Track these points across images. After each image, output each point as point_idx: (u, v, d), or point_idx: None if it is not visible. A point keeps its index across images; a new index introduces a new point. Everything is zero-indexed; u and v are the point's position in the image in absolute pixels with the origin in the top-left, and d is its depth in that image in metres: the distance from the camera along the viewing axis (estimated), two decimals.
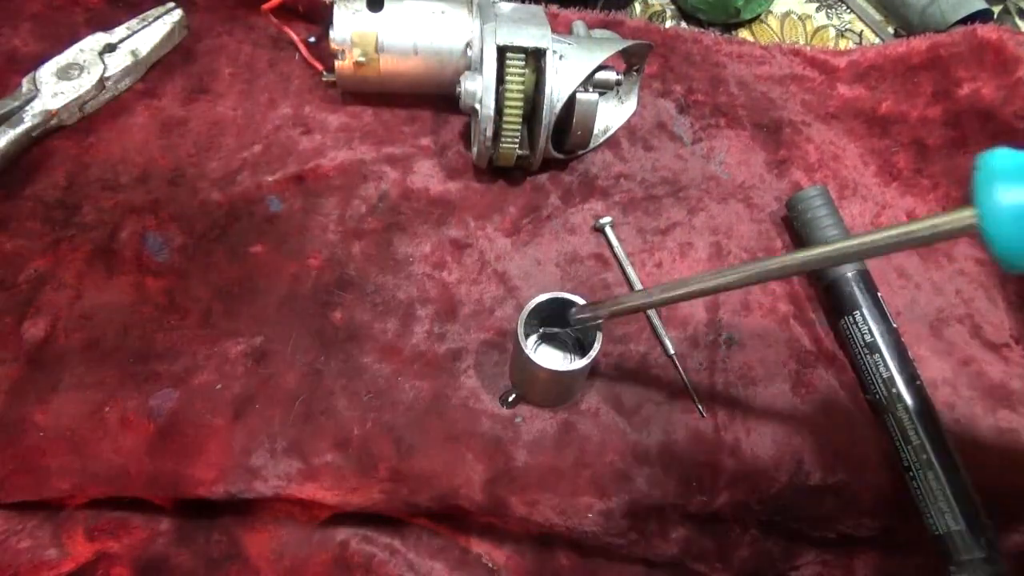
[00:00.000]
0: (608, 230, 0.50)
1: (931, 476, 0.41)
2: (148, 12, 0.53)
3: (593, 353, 0.38)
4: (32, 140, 0.48)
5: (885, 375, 0.43)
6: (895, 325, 0.45)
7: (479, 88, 0.45)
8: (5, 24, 0.52)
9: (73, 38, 0.51)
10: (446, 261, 0.48)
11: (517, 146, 0.47)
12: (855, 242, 0.28)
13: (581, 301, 0.40)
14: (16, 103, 0.47)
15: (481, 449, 0.42)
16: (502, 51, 0.45)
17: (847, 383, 0.46)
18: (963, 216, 0.24)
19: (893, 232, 0.26)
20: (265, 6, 0.53)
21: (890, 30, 0.73)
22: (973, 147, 0.55)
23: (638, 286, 0.48)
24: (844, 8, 0.75)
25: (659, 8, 0.74)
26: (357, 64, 0.49)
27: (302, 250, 0.47)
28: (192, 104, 0.52)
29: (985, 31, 0.55)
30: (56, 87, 0.49)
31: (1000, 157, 0.24)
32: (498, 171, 0.51)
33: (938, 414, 0.42)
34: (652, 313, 0.47)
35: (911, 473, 0.42)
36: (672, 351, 0.46)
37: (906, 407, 0.42)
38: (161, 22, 0.53)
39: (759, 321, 0.48)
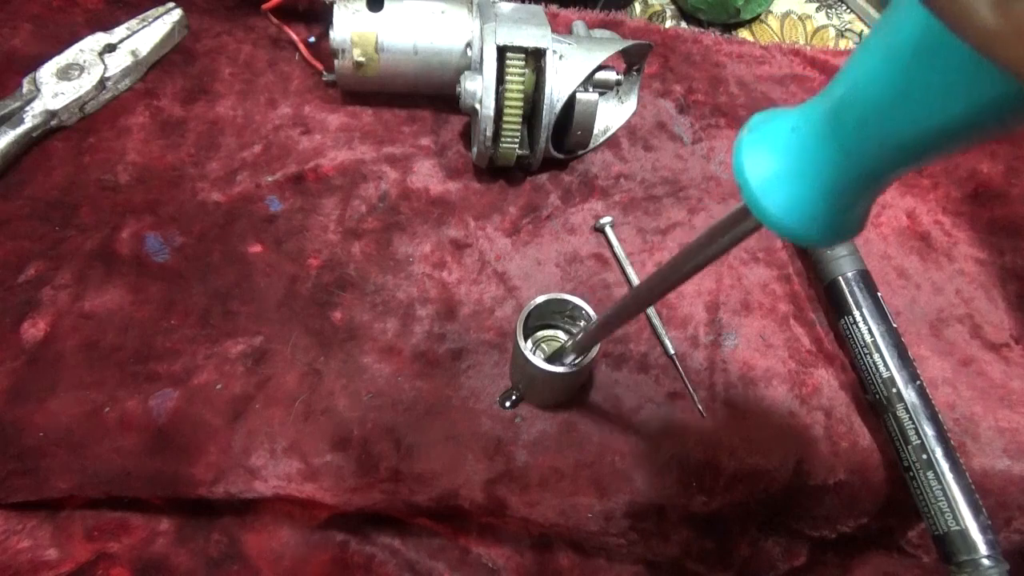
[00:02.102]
0: (608, 230, 0.50)
1: (931, 476, 0.41)
2: (148, 12, 0.53)
3: (593, 353, 0.38)
4: (32, 140, 0.48)
5: (885, 375, 0.43)
6: (895, 325, 0.45)
7: (479, 88, 0.45)
8: (5, 24, 0.52)
9: (73, 38, 0.51)
10: (446, 261, 0.48)
11: (517, 146, 0.47)
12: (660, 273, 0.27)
13: (580, 302, 0.40)
14: (16, 103, 0.48)
15: (481, 449, 0.42)
16: (502, 51, 0.45)
17: (847, 383, 0.46)
18: (738, 208, 0.22)
19: (690, 248, 0.25)
20: (265, 6, 0.53)
21: None
22: (973, 147, 0.55)
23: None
24: (844, 8, 0.75)
25: (659, 8, 0.74)
26: (357, 64, 0.49)
27: (302, 250, 0.47)
28: (192, 104, 0.52)
29: None
30: (56, 87, 0.49)
31: (747, 125, 0.21)
32: (498, 171, 0.51)
33: (938, 414, 0.42)
34: (652, 313, 0.47)
35: (911, 473, 0.42)
36: (672, 351, 0.46)
37: (906, 407, 0.42)
38: (161, 22, 0.53)
39: (759, 321, 0.48)
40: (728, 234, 0.24)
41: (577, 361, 0.39)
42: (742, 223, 0.23)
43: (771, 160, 0.20)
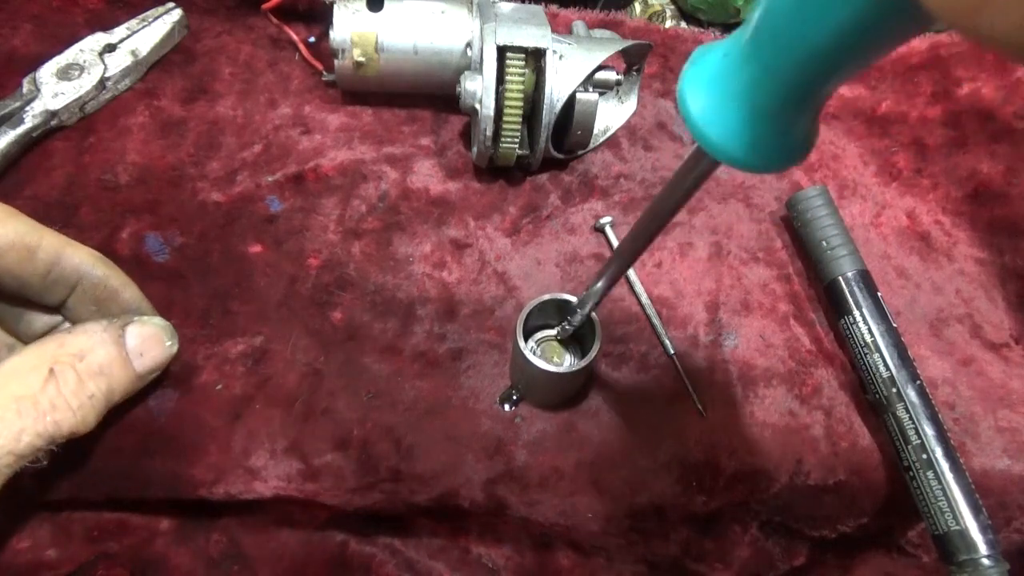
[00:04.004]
0: (608, 230, 0.50)
1: (931, 476, 0.41)
2: (148, 12, 0.53)
3: (592, 354, 0.38)
4: (32, 140, 0.48)
5: (885, 375, 0.43)
6: (895, 325, 0.45)
7: (479, 88, 0.45)
8: (5, 24, 0.52)
9: (73, 38, 0.51)
10: (446, 261, 0.48)
11: (517, 146, 0.47)
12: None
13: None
14: (16, 103, 0.48)
15: (481, 449, 0.42)
16: (502, 51, 0.45)
17: (847, 383, 0.46)
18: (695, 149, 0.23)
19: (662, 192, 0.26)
20: (265, 6, 0.53)
21: None
22: (973, 147, 0.55)
23: (638, 286, 0.48)
24: None
25: (659, 8, 0.74)
26: (357, 64, 0.49)
27: (302, 250, 0.47)
28: (192, 104, 0.52)
29: None
30: (56, 87, 0.49)
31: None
32: (498, 171, 0.51)
33: (938, 414, 0.42)
34: (652, 313, 0.47)
35: (911, 473, 0.42)
36: (672, 351, 0.46)
37: (906, 407, 0.42)
38: (161, 22, 0.53)
39: (759, 321, 0.48)
40: (690, 176, 0.24)
41: (576, 362, 0.39)
42: (700, 163, 0.24)
43: (709, 89, 0.21)
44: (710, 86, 0.21)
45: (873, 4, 0.15)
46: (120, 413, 0.40)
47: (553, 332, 0.44)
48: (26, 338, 0.39)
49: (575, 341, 0.45)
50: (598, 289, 0.35)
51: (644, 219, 0.29)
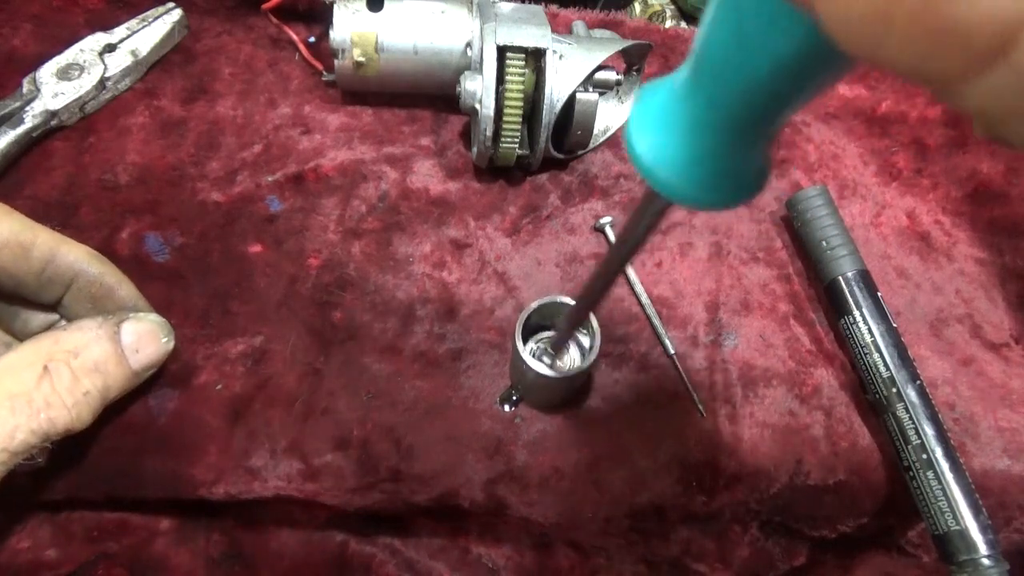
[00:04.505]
0: (608, 230, 0.50)
1: (931, 476, 0.41)
2: (148, 12, 0.53)
3: (592, 356, 0.38)
4: (32, 140, 0.48)
5: (885, 375, 0.43)
6: (895, 325, 0.45)
7: (479, 88, 0.45)
8: (5, 24, 0.52)
9: (73, 38, 0.51)
10: (446, 261, 0.48)
11: (517, 146, 0.47)
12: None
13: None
14: (16, 103, 0.48)
15: (481, 449, 0.42)
16: (502, 51, 0.45)
17: (847, 383, 0.46)
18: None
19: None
20: (265, 6, 0.53)
21: None
22: (973, 147, 0.55)
23: (638, 286, 0.48)
24: None
25: (659, 8, 0.74)
26: (357, 64, 0.49)
27: (302, 250, 0.47)
28: (192, 104, 0.52)
29: None
30: (56, 87, 0.49)
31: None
32: (498, 171, 0.51)
33: (938, 414, 0.42)
34: (652, 313, 0.47)
35: (911, 473, 0.42)
36: (672, 351, 0.46)
37: (906, 407, 0.42)
38: (161, 22, 0.53)
39: (759, 321, 0.48)
40: (644, 218, 0.24)
41: (575, 365, 0.39)
42: (652, 203, 0.23)
43: (655, 127, 0.20)
44: (657, 124, 0.20)
45: (804, 36, 0.15)
46: (120, 413, 0.40)
47: (552, 334, 0.44)
48: (23, 337, 0.39)
49: (575, 343, 0.45)
50: (562, 332, 0.35)
51: (607, 260, 0.28)
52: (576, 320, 0.35)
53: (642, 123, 0.20)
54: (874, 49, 0.12)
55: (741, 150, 0.19)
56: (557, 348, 0.38)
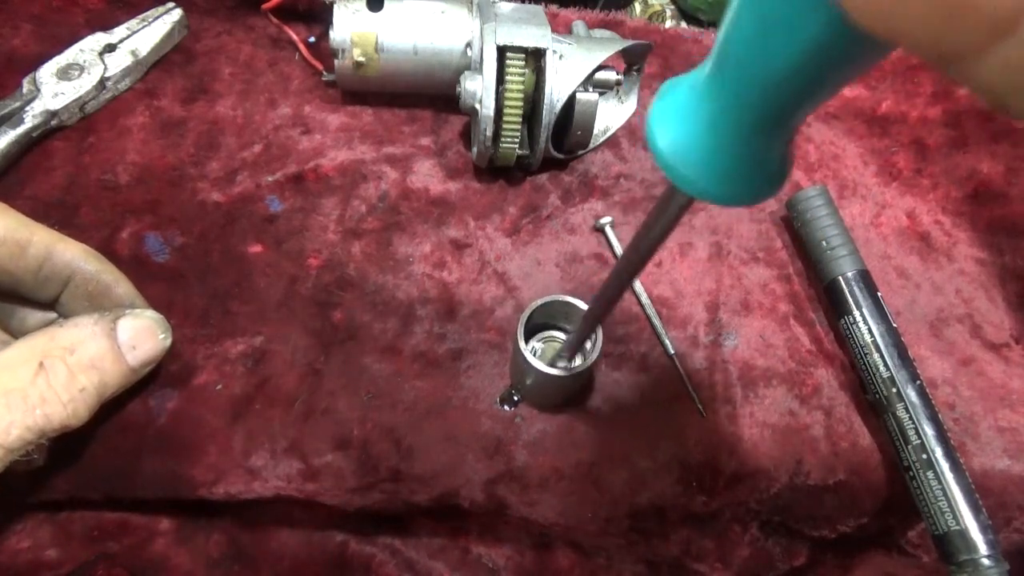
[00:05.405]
0: (608, 230, 0.50)
1: (931, 476, 0.41)
2: (148, 12, 0.53)
3: (593, 356, 0.38)
4: (32, 140, 0.48)
5: (885, 375, 0.43)
6: (895, 325, 0.45)
7: (479, 88, 0.45)
8: (5, 24, 0.52)
9: (73, 38, 0.51)
10: (446, 261, 0.48)
11: (517, 146, 0.47)
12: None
13: (579, 304, 0.40)
14: (16, 103, 0.47)
15: (481, 449, 0.42)
16: (502, 51, 0.45)
17: (847, 383, 0.46)
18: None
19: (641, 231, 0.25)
20: (265, 6, 0.53)
21: None
22: (973, 147, 0.55)
23: (638, 286, 0.48)
24: None
25: (659, 8, 0.74)
26: (357, 64, 0.49)
27: (302, 250, 0.47)
28: (192, 104, 0.52)
29: None
30: (56, 87, 0.49)
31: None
32: (498, 171, 0.51)
33: (938, 414, 0.42)
34: (652, 313, 0.47)
35: (911, 473, 0.42)
36: (672, 351, 0.46)
37: (906, 407, 0.42)
38: (161, 22, 0.53)
39: (759, 321, 0.48)
40: (664, 214, 0.24)
41: (577, 364, 0.39)
42: (673, 199, 0.23)
43: (677, 122, 0.20)
44: (678, 120, 0.20)
45: (827, 21, 0.15)
46: (119, 413, 0.40)
47: (553, 333, 0.44)
48: (20, 335, 0.39)
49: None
50: (578, 333, 0.35)
51: (625, 258, 0.28)
52: (594, 322, 0.35)
53: (663, 118, 0.20)
54: (889, 24, 0.12)
55: (763, 145, 0.19)
56: (572, 351, 0.38)
